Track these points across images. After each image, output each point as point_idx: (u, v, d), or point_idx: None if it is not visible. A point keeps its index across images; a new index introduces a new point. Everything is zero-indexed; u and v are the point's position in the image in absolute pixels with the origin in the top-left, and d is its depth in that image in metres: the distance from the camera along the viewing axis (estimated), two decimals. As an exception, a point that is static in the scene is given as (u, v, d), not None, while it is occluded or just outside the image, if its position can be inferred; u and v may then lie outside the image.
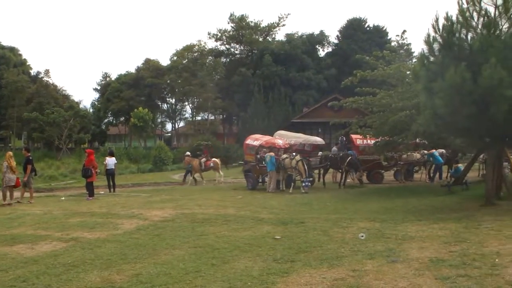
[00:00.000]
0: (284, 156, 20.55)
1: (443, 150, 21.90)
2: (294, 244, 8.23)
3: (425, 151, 22.56)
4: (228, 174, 32.51)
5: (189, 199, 16.95)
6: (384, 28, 65.77)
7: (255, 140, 22.98)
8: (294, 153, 20.63)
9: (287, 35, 66.43)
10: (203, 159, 25.67)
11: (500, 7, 12.06)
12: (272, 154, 20.19)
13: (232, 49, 70.73)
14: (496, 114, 10.82)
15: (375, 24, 66.29)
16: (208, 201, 15.89)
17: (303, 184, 19.49)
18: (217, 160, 26.48)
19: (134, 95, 64.43)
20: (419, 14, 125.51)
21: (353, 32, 64.33)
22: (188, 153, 28.71)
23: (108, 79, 74.97)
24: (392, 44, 46.97)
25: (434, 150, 21.73)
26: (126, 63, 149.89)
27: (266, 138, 23.45)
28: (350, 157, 21.31)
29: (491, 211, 11.48)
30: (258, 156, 21.52)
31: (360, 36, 63.46)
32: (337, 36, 68.10)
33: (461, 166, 18.28)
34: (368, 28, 65.86)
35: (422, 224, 9.96)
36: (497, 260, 6.67)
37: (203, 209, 13.76)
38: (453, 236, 8.48)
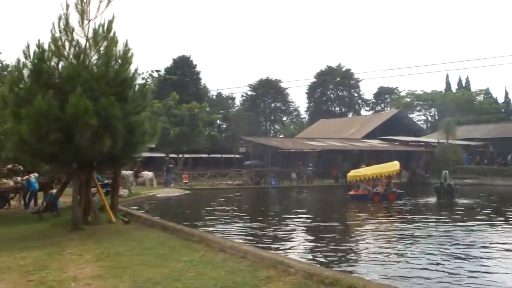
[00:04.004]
0: None
1: (36, 174, 21.49)
2: None
3: (19, 178, 21.73)
4: None
5: None
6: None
7: None
8: None
9: None
10: None
11: (91, 40, 12.82)
12: None
13: None
14: (81, 141, 11.34)
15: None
16: None
17: None
18: None
19: None
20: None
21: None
22: None
23: None
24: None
25: (31, 176, 21.15)
26: None
27: None
28: None
29: (77, 236, 11.80)
30: None
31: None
32: None
33: (55, 192, 18.27)
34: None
35: (4, 254, 9.54)
36: (72, 284, 6.97)
37: None
38: (35, 264, 8.45)
